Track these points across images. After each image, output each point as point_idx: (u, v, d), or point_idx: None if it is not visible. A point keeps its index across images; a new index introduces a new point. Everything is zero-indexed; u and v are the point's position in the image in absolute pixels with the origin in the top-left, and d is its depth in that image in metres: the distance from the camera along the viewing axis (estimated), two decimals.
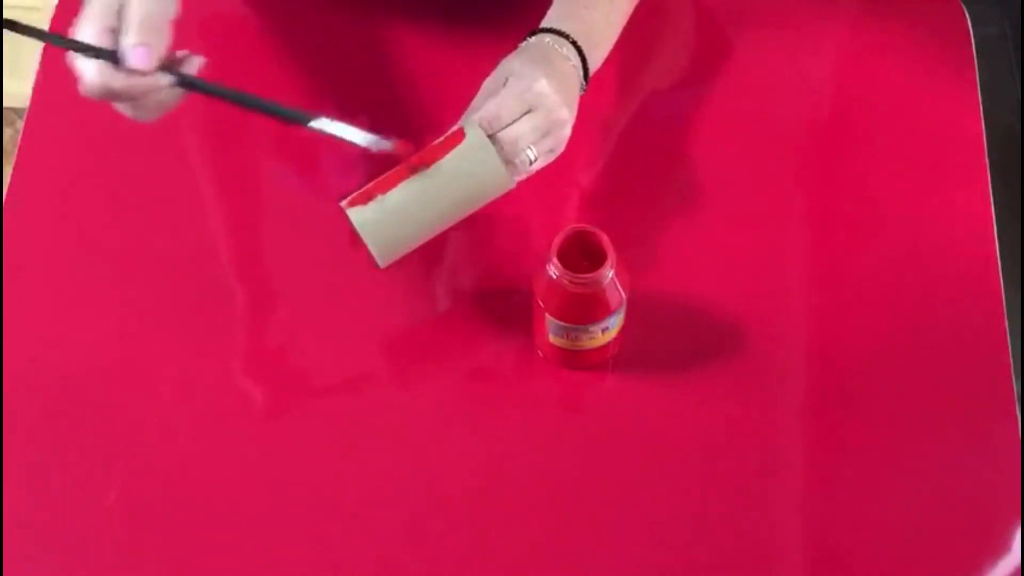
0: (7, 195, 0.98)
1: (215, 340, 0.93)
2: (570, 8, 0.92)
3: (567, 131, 0.86)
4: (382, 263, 0.85)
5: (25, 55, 1.60)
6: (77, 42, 0.75)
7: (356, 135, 0.80)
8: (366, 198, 0.83)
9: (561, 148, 0.87)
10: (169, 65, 0.77)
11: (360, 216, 0.83)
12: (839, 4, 1.09)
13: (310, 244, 0.96)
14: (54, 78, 1.03)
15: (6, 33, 0.74)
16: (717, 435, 0.90)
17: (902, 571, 0.86)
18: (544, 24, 0.90)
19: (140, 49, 0.75)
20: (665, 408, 0.91)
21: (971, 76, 1.04)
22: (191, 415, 0.90)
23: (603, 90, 0.90)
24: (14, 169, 1.00)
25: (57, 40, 0.76)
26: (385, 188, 0.83)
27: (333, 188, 1.00)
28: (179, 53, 0.78)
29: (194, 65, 0.78)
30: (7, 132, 1.78)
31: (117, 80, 0.75)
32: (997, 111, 1.12)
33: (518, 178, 0.86)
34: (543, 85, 0.84)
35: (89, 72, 0.76)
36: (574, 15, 0.91)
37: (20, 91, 1.34)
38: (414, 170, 0.83)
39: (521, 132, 0.84)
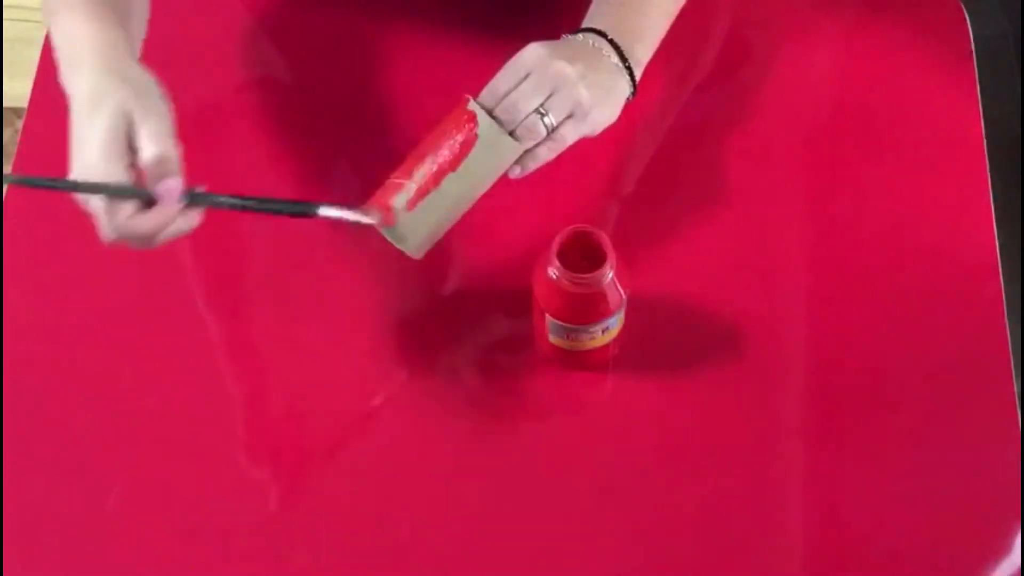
0: (7, 195, 0.98)
1: (216, 340, 0.94)
2: (600, 7, 0.91)
3: (580, 90, 0.84)
4: (419, 256, 0.87)
5: (25, 55, 1.60)
6: (107, 186, 0.72)
7: (352, 215, 0.81)
8: (388, 209, 0.84)
9: (588, 112, 0.85)
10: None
11: (392, 233, 0.84)
12: (839, 4, 1.09)
13: (310, 245, 0.96)
14: (54, 78, 1.02)
15: (6, 33, 0.74)
16: (717, 435, 0.90)
17: (902, 571, 0.86)
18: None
19: (171, 185, 0.73)
20: (665, 408, 0.91)
21: (971, 76, 1.04)
22: (192, 417, 0.90)
23: None
24: (14, 169, 1.00)
25: (86, 188, 0.72)
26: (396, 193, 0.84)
27: (332, 181, 1.01)
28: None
29: (199, 189, 0.77)
30: (7, 132, 1.77)
31: (143, 223, 0.73)
32: (997, 111, 1.12)
33: (549, 148, 0.86)
34: (531, 48, 0.83)
35: (108, 217, 0.72)
36: (605, 13, 0.91)
37: (20, 91, 1.33)
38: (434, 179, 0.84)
39: (519, 94, 0.83)
